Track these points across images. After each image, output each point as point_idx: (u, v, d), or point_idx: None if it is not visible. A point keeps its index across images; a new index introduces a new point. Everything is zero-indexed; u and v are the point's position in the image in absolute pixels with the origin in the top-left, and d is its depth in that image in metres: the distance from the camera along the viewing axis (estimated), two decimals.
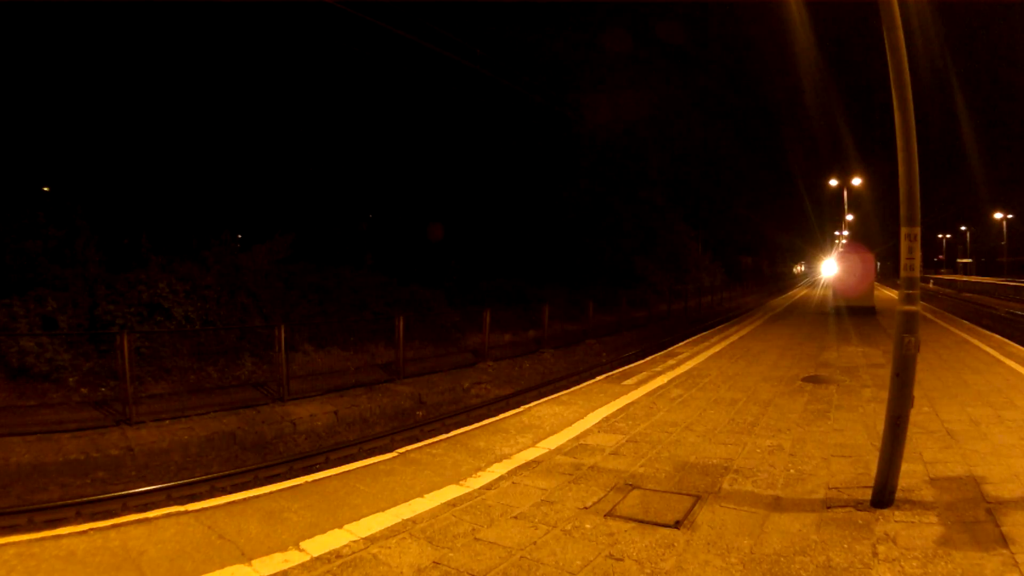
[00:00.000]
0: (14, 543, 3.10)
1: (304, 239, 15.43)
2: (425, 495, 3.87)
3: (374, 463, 4.62)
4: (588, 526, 3.38)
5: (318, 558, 3.02)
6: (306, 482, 4.17)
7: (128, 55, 21.17)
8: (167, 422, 7.92)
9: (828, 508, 3.54)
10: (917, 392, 3.72)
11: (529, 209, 27.29)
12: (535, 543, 3.18)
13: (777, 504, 3.63)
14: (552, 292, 19.85)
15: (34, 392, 8.42)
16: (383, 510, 3.63)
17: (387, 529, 3.36)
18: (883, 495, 3.51)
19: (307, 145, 26.04)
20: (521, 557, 3.02)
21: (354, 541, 3.21)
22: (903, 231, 3.52)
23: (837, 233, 49.74)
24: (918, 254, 3.53)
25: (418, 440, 5.94)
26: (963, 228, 73.69)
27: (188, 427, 7.90)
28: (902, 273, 3.57)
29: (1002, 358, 8.97)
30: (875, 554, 2.95)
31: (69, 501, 5.88)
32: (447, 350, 13.79)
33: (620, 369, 8.99)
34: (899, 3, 3.39)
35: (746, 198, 52.51)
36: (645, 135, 33.28)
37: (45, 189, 16.53)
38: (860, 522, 3.31)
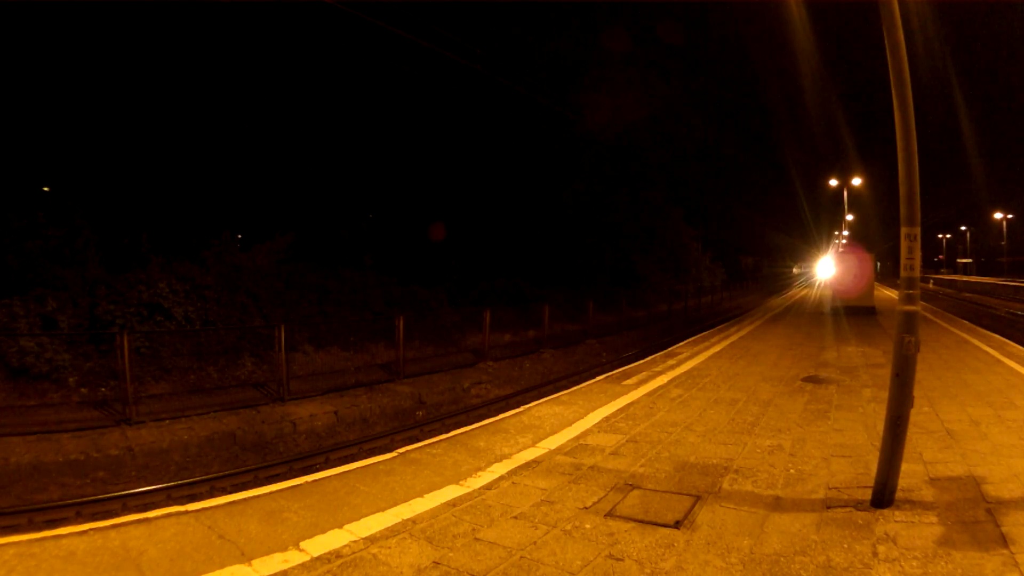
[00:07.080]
0: (14, 543, 3.10)
1: (304, 239, 15.44)
2: (425, 495, 3.87)
3: (374, 463, 4.62)
4: (588, 526, 3.38)
5: (318, 558, 3.02)
6: (306, 482, 4.17)
7: (128, 55, 21.23)
8: (167, 422, 7.92)
9: (828, 508, 3.54)
10: (917, 392, 3.72)
11: (529, 209, 27.29)
12: (535, 543, 3.18)
13: (777, 504, 3.63)
14: (552, 292, 19.83)
15: (34, 392, 8.42)
16: (383, 510, 3.63)
17: (387, 529, 3.36)
18: (883, 495, 3.51)
19: (307, 145, 26.09)
20: (521, 557, 3.02)
21: (354, 541, 3.21)
22: (903, 231, 3.52)
23: (837, 233, 49.76)
24: (918, 254, 3.53)
25: (418, 440, 5.94)
26: (963, 228, 73.82)
27: (188, 427, 7.90)
28: (902, 273, 3.57)
29: (1002, 358, 8.97)
30: (875, 554, 2.95)
31: (69, 501, 5.87)
32: (447, 350, 13.78)
33: (620, 369, 8.98)
34: (899, 3, 3.40)
35: (746, 198, 52.65)
36: (645, 135, 33.31)
37: (45, 189, 16.51)
38: (860, 522, 3.31)
